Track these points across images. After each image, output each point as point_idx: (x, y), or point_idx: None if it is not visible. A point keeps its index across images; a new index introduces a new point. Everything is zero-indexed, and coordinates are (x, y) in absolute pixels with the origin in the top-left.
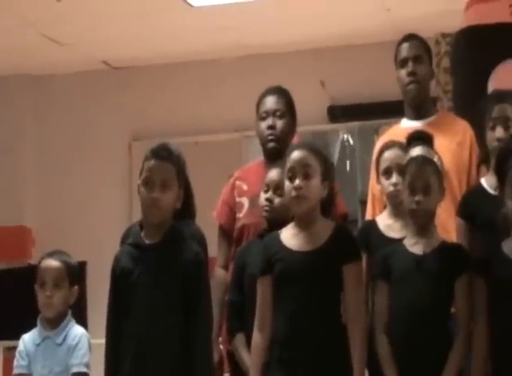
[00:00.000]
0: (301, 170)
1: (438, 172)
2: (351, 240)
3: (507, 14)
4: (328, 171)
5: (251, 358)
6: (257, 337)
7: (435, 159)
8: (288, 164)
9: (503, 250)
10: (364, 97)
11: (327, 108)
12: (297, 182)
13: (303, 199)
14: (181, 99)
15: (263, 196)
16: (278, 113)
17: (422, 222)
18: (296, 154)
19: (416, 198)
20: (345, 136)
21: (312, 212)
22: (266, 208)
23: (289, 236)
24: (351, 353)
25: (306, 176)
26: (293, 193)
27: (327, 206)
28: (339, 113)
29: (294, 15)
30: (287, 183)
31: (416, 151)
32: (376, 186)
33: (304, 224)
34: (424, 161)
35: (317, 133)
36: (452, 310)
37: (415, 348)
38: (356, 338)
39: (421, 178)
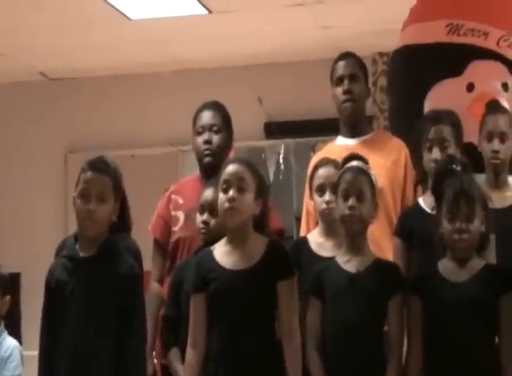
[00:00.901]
0: (236, 183)
1: (372, 184)
2: (284, 257)
3: (444, 34)
4: (262, 189)
5: (185, 375)
6: (190, 353)
7: (370, 172)
8: (223, 177)
9: (439, 269)
10: (301, 114)
11: (264, 124)
12: (230, 193)
13: (236, 211)
14: (117, 112)
15: (199, 218)
16: (214, 128)
17: (354, 231)
18: (231, 168)
19: (350, 203)
20: (281, 153)
21: (245, 227)
22: (203, 231)
23: (222, 253)
24: (287, 369)
25: (240, 190)
26: (227, 205)
27: (260, 223)
28: (275, 129)
29: (232, 30)
30: (221, 195)
31: (352, 163)
32: (310, 203)
33: (237, 240)
34: (359, 170)
35: (253, 149)
36: (386, 328)
37: (349, 365)
38: (291, 354)
39: (355, 184)
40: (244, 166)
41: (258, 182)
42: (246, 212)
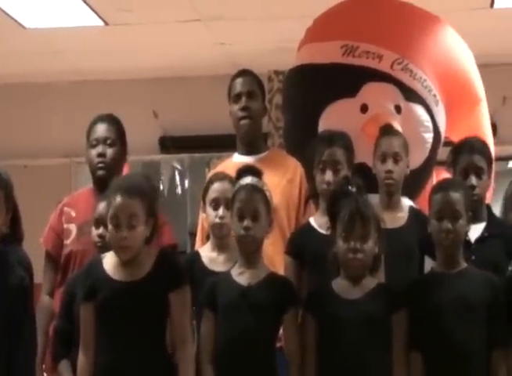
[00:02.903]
0: (126, 220)
1: (267, 202)
2: (175, 267)
3: (339, 55)
4: (152, 207)
5: None
6: (82, 358)
7: (264, 189)
8: (112, 211)
9: (333, 288)
10: (196, 129)
11: (159, 138)
12: (122, 233)
13: (128, 248)
14: (11, 121)
15: (94, 231)
16: (108, 142)
17: (250, 250)
18: (120, 201)
19: (245, 224)
20: (176, 168)
21: (137, 253)
22: (99, 244)
23: (112, 263)
24: None
25: (131, 227)
26: (119, 243)
27: (150, 238)
28: (171, 144)
29: (129, 43)
30: (111, 229)
31: (246, 181)
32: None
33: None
34: (253, 189)
35: (148, 163)
36: (280, 344)
37: None
38: (184, 364)
39: (250, 204)
40: (133, 197)
41: (148, 204)
42: (138, 245)
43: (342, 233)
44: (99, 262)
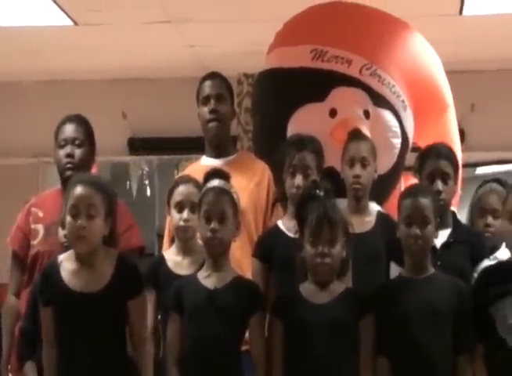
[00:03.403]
0: (85, 210)
1: (234, 204)
2: (134, 275)
3: (308, 59)
4: (111, 208)
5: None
6: (48, 354)
7: (232, 192)
8: (71, 200)
9: (301, 292)
10: (165, 131)
11: (128, 140)
12: (80, 222)
13: (85, 239)
14: None
15: (61, 232)
16: (77, 142)
17: (217, 253)
18: (80, 191)
19: (212, 226)
20: (145, 169)
21: (94, 250)
22: (66, 245)
23: (70, 271)
24: None
25: (90, 217)
26: (77, 233)
27: (109, 239)
28: (139, 145)
29: (98, 43)
30: (70, 220)
31: (213, 183)
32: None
33: (86, 260)
34: (221, 191)
35: (117, 164)
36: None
37: None
38: (144, 362)
39: (217, 206)
40: (93, 189)
41: (107, 202)
42: (96, 238)
43: (310, 238)
44: (57, 269)
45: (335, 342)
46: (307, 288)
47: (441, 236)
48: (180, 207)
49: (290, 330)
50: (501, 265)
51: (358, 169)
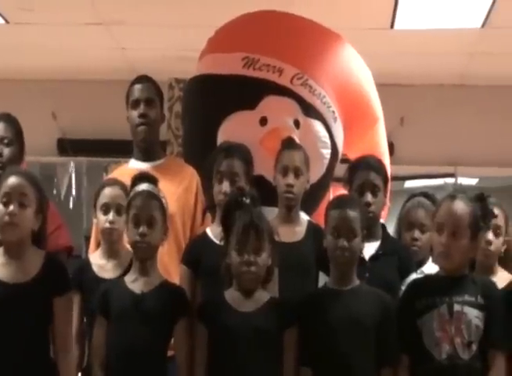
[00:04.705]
0: (17, 197)
1: (163, 209)
2: (61, 272)
3: (239, 67)
4: (43, 204)
5: None
6: None
7: (161, 196)
8: (3, 189)
9: (226, 299)
10: (95, 133)
11: (57, 140)
12: (11, 208)
13: (15, 226)
14: None
15: None
16: (5, 141)
17: (145, 257)
18: (13, 180)
19: (140, 230)
20: (74, 171)
21: (23, 242)
22: None
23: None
24: None
25: (21, 205)
26: (7, 219)
27: (38, 238)
28: (68, 146)
29: (30, 43)
30: (1, 208)
31: (142, 187)
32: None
33: (14, 253)
34: (150, 196)
35: (46, 165)
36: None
37: None
38: (66, 370)
39: (146, 210)
40: (26, 180)
41: (39, 197)
42: (26, 228)
43: (236, 246)
44: None
45: (258, 351)
46: (232, 295)
47: (370, 249)
48: (106, 209)
49: (213, 336)
50: (428, 278)
51: (291, 178)
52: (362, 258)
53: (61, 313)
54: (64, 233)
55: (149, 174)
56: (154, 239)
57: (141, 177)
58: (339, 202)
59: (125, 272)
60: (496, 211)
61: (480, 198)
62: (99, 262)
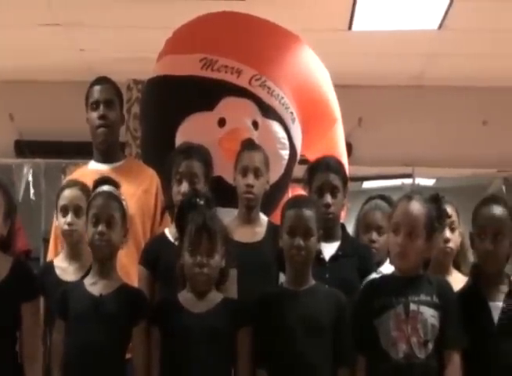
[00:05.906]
0: None
1: (123, 210)
2: (29, 278)
3: (198, 68)
4: (11, 208)
5: None
6: None
7: (121, 198)
8: None
9: (179, 300)
10: (53, 135)
11: (14, 142)
12: None
13: None
14: None
15: None
16: None
17: (103, 256)
18: None
19: (99, 229)
20: (31, 173)
21: None
22: None
23: None
24: None
25: None
26: None
27: (6, 243)
28: (26, 148)
29: None
30: None
31: (103, 188)
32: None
33: None
34: (110, 196)
35: (3, 167)
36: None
37: None
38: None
39: (105, 210)
40: None
41: (7, 201)
42: None
43: (189, 247)
44: None
45: (211, 352)
46: (185, 296)
47: (330, 249)
48: (64, 211)
49: (167, 338)
50: (384, 279)
51: (251, 179)
52: (322, 259)
53: (28, 319)
54: (22, 236)
55: (111, 178)
56: (113, 238)
57: (103, 181)
58: (295, 202)
59: (85, 274)
60: (449, 209)
61: (435, 199)
62: (62, 265)
